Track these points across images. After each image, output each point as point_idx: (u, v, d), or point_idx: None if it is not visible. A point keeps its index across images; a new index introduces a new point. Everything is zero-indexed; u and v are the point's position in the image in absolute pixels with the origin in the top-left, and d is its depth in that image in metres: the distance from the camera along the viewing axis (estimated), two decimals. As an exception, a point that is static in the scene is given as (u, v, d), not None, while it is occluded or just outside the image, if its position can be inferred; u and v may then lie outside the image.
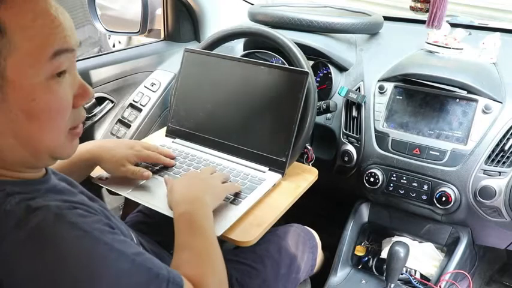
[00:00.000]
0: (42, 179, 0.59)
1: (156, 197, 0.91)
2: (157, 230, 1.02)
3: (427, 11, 1.14)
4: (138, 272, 0.54)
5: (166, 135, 1.16)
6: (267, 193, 0.95)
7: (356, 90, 1.16)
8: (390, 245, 1.09)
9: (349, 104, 1.17)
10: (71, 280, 0.50)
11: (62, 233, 0.51)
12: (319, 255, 1.18)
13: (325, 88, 1.27)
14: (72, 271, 0.50)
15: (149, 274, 0.55)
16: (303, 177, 1.03)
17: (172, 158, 1.02)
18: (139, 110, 1.40)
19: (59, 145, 0.58)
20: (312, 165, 1.10)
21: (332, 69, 1.25)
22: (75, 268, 0.50)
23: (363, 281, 1.17)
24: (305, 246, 1.10)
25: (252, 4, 1.64)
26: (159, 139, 1.17)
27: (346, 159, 1.16)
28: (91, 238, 0.52)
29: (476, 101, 1.03)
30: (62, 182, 0.63)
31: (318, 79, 1.30)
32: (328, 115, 1.21)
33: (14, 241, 0.49)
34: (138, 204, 1.09)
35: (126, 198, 0.95)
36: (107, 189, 0.97)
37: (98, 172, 0.97)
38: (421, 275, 1.15)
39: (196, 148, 1.10)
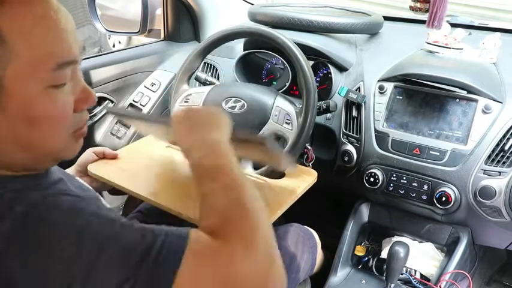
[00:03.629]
0: (42, 173, 0.58)
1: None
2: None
3: (426, 11, 1.14)
4: (129, 230, 0.51)
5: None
6: (266, 193, 0.95)
7: (356, 90, 1.16)
8: (390, 245, 1.09)
9: (349, 104, 1.17)
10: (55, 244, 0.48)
11: (47, 213, 0.49)
12: (319, 255, 1.18)
13: (325, 88, 1.27)
14: (58, 238, 0.48)
15: (143, 230, 0.52)
16: (303, 179, 1.03)
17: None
18: (140, 110, 1.40)
19: (62, 148, 0.57)
20: (312, 165, 1.10)
21: (332, 69, 1.25)
22: (61, 235, 0.48)
23: (363, 281, 1.17)
24: (305, 246, 1.10)
25: (252, 4, 1.64)
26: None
27: (346, 159, 1.16)
28: (75, 211, 0.50)
29: (476, 101, 1.03)
30: (60, 174, 0.63)
31: (318, 79, 1.30)
32: (328, 115, 1.21)
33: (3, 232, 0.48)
34: (138, 204, 1.10)
35: (126, 199, 0.95)
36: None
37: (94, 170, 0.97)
38: (421, 275, 1.15)
39: None
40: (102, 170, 0.96)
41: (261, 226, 0.53)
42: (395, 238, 1.23)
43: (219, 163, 0.60)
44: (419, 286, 1.12)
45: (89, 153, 0.99)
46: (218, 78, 1.37)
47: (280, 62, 1.33)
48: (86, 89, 0.57)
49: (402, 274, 1.13)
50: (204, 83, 1.25)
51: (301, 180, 1.02)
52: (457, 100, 1.06)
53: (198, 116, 0.69)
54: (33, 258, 0.47)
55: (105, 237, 0.49)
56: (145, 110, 1.40)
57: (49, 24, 0.51)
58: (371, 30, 1.34)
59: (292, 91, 1.30)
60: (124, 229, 0.51)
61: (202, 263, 0.49)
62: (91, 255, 0.47)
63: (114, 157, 1.02)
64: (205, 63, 1.39)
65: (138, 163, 1.04)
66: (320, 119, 1.21)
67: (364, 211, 1.27)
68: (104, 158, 1.02)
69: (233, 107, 1.10)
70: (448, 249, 1.18)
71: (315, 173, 1.06)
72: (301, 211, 1.09)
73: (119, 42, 3.77)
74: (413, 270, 1.15)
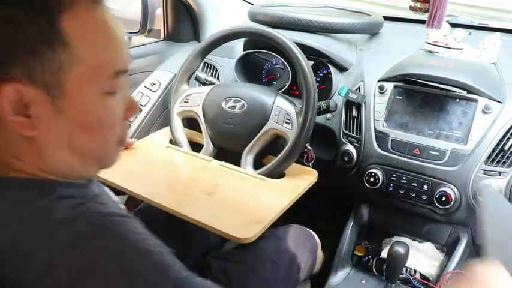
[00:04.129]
0: (86, 182, 0.59)
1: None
2: (157, 230, 1.02)
3: (426, 11, 1.14)
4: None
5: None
6: (266, 192, 0.95)
7: (356, 90, 1.16)
8: (390, 245, 1.09)
9: (349, 104, 1.17)
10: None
11: (106, 238, 0.49)
12: (319, 255, 1.18)
13: (325, 88, 1.27)
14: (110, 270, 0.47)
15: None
16: (303, 178, 1.03)
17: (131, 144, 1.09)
18: (140, 110, 1.40)
19: (107, 156, 0.59)
20: (312, 165, 1.10)
21: (332, 69, 1.25)
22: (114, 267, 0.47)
23: (363, 281, 1.17)
24: (305, 247, 1.10)
25: (252, 4, 1.64)
26: (159, 139, 1.17)
27: (346, 159, 1.16)
28: (135, 249, 0.49)
29: (476, 101, 1.03)
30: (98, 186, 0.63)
31: (318, 79, 1.30)
32: (328, 115, 1.21)
33: (58, 245, 0.47)
34: (138, 204, 1.10)
35: (126, 199, 0.95)
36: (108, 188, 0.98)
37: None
38: (421, 275, 1.15)
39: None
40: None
41: None
42: (395, 238, 1.22)
43: None
44: (419, 286, 1.12)
45: None
46: (218, 78, 1.37)
47: (280, 62, 1.32)
48: (131, 99, 0.59)
49: (402, 274, 1.13)
50: (204, 83, 1.25)
51: (301, 180, 1.02)
52: (457, 100, 1.06)
53: None
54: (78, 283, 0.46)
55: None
56: (145, 110, 1.40)
57: (109, 33, 0.52)
58: (371, 30, 1.34)
59: (292, 91, 1.30)
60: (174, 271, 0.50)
61: None
62: None
63: (132, 144, 1.07)
64: (205, 63, 1.39)
65: (138, 163, 1.05)
66: (320, 119, 1.21)
67: (364, 211, 1.27)
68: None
69: (233, 107, 1.10)
70: (448, 249, 1.18)
71: (315, 173, 1.06)
72: (301, 211, 1.09)
73: (119, 42, 3.77)
74: (413, 270, 1.15)
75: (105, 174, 0.94)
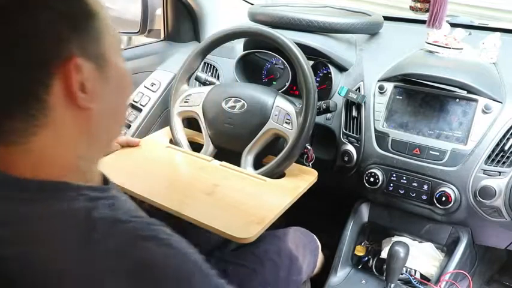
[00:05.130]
0: (108, 187, 0.60)
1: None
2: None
3: (426, 11, 1.14)
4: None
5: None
6: (266, 192, 0.95)
7: (356, 90, 1.16)
8: (390, 245, 1.09)
9: (349, 104, 1.17)
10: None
11: (153, 248, 0.48)
12: (320, 257, 1.18)
13: (325, 88, 1.27)
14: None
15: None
16: (303, 178, 1.03)
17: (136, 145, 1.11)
18: (139, 110, 1.40)
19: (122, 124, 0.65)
20: (312, 165, 1.10)
21: (332, 69, 1.25)
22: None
23: (363, 281, 1.17)
24: (305, 248, 1.10)
25: (252, 4, 1.64)
26: (159, 139, 1.17)
27: (346, 159, 1.16)
28: (180, 255, 0.50)
29: (476, 101, 1.03)
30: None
31: (318, 79, 1.30)
32: (328, 115, 1.21)
33: (102, 251, 0.46)
34: (138, 204, 1.10)
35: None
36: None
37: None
38: (421, 275, 1.15)
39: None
40: (102, 170, 0.96)
41: None
42: (395, 238, 1.22)
43: None
44: (419, 286, 1.12)
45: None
46: (218, 78, 1.37)
47: (280, 62, 1.33)
48: None
49: (402, 274, 1.13)
50: (204, 83, 1.25)
51: (301, 180, 1.02)
52: (457, 100, 1.06)
53: None
54: None
55: None
56: (145, 110, 1.39)
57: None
58: (371, 30, 1.34)
59: (292, 91, 1.30)
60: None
61: None
62: None
63: (137, 144, 1.09)
64: (205, 63, 1.39)
65: (138, 163, 1.05)
66: (320, 119, 1.21)
67: (364, 211, 1.27)
68: (127, 147, 1.07)
69: (233, 107, 1.10)
70: (448, 249, 1.18)
71: (315, 173, 1.06)
72: (301, 211, 1.10)
73: (119, 42, 3.76)
74: (413, 270, 1.15)
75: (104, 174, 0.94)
